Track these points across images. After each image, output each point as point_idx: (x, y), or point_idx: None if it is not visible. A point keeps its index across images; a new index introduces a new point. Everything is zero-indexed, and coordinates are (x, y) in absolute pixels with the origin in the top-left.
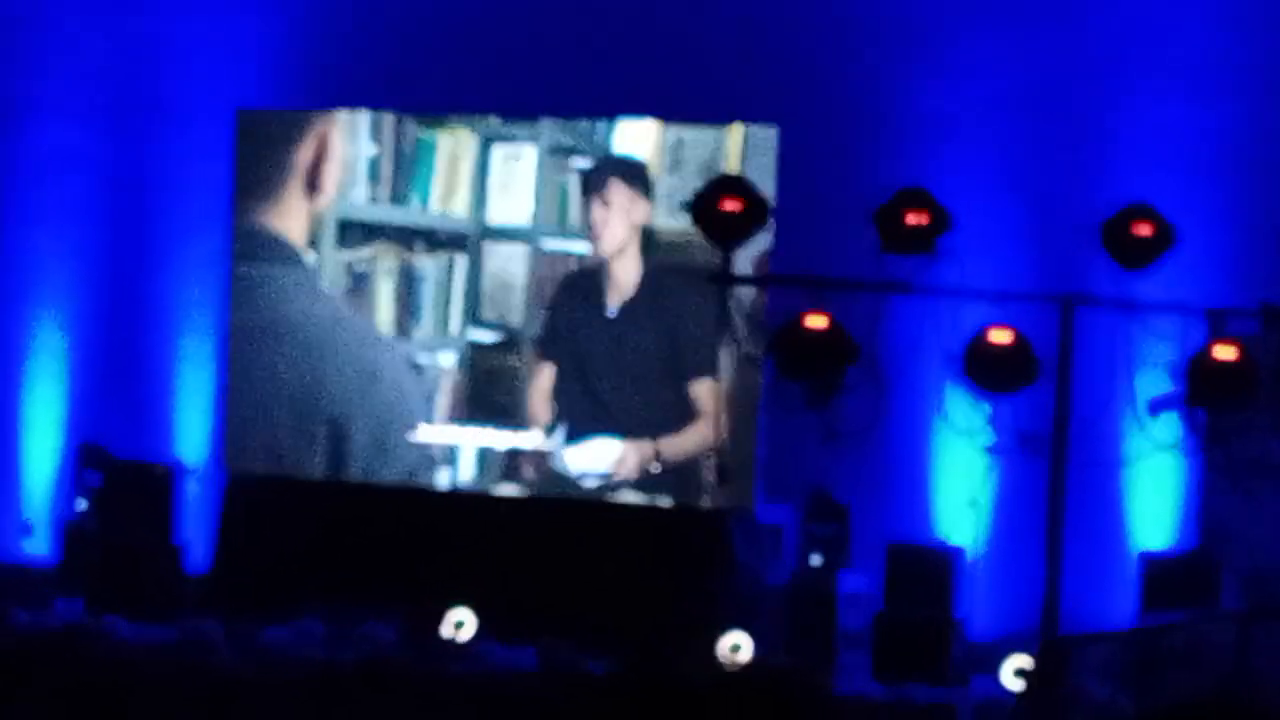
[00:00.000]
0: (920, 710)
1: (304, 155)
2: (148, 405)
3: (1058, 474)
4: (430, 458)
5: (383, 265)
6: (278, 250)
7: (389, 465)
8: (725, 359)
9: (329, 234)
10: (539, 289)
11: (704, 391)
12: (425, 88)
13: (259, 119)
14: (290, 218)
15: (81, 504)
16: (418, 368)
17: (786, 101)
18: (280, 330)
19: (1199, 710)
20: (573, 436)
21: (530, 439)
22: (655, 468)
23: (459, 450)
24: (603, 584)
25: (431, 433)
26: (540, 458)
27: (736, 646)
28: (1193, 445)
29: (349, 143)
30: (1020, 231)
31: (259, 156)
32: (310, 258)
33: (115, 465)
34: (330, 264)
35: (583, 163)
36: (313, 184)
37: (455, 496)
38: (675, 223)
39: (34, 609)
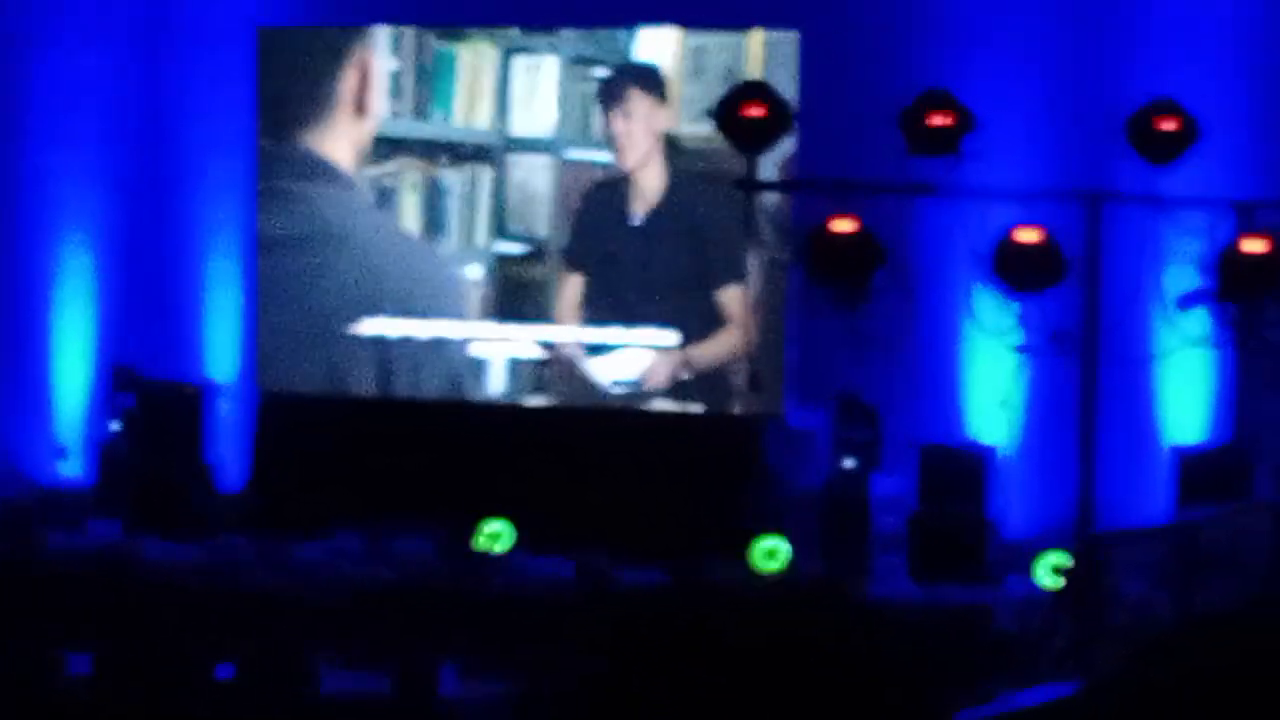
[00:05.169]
0: (957, 610)
1: (344, 77)
2: (178, 326)
3: (1089, 371)
4: (465, 369)
5: (407, 180)
6: (314, 168)
7: (426, 378)
8: (752, 265)
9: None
10: (565, 200)
11: (732, 298)
12: (443, 1)
13: (280, 36)
14: (330, 139)
15: (114, 425)
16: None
17: (807, 6)
18: (313, 247)
19: (1238, 608)
20: (602, 346)
21: (561, 344)
22: (685, 375)
23: (490, 363)
24: (636, 493)
25: (472, 341)
26: (570, 368)
27: (771, 552)
28: (1223, 339)
29: (376, 62)
30: (1045, 130)
31: (288, 75)
32: (351, 174)
33: (147, 386)
34: (358, 181)
35: (601, 73)
36: (360, 106)
37: (487, 409)
38: (699, 129)
39: (69, 531)
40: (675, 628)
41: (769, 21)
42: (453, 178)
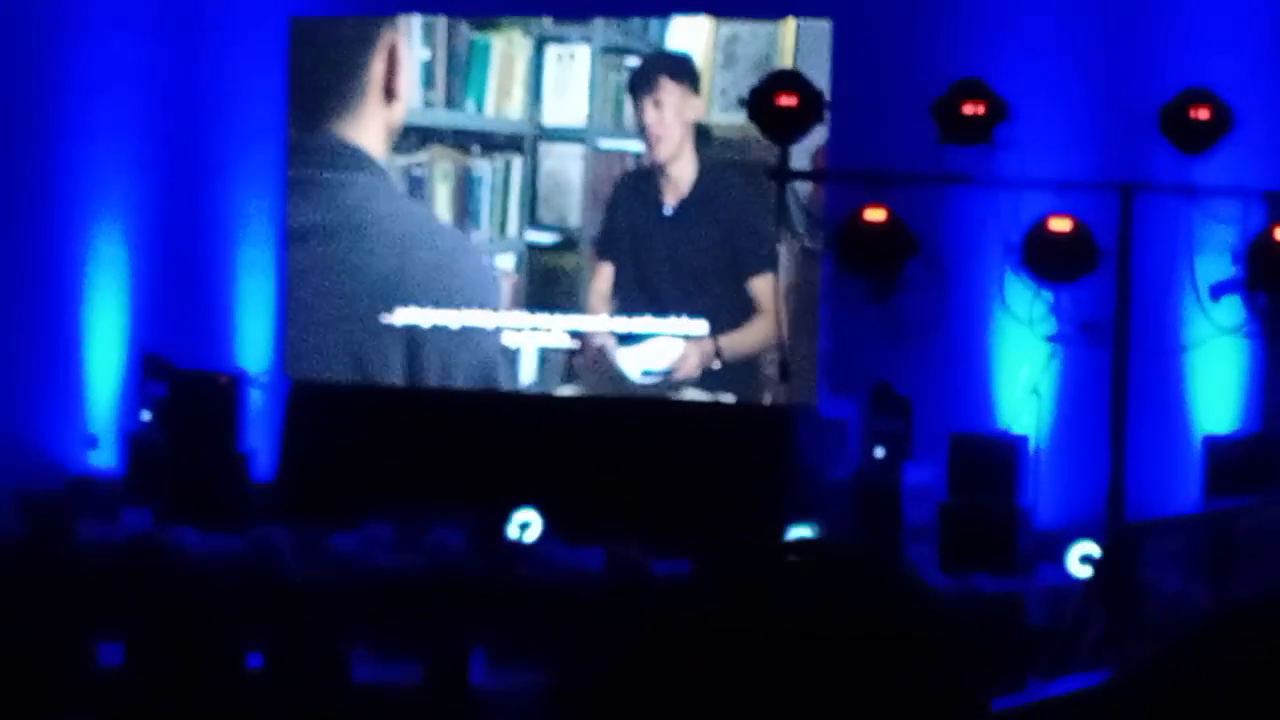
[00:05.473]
0: (988, 600)
1: (373, 63)
2: (209, 315)
3: (1120, 361)
4: (497, 358)
5: (439, 169)
6: (345, 156)
7: (457, 367)
8: (784, 254)
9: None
10: (596, 189)
11: (764, 287)
12: None
13: (313, 26)
14: (360, 126)
15: (146, 415)
16: (486, 267)
17: None
18: (345, 236)
19: (1271, 599)
20: (633, 336)
21: (591, 334)
22: (716, 365)
23: (521, 352)
24: (667, 482)
25: (503, 330)
26: (601, 357)
27: (801, 540)
28: (1255, 328)
29: (406, 47)
30: (1078, 119)
31: (318, 64)
32: (382, 161)
33: (178, 375)
34: (389, 169)
35: (633, 63)
36: (389, 92)
37: (519, 398)
38: (730, 118)
39: (101, 520)
40: (704, 610)
41: (801, 10)
42: (484, 167)
